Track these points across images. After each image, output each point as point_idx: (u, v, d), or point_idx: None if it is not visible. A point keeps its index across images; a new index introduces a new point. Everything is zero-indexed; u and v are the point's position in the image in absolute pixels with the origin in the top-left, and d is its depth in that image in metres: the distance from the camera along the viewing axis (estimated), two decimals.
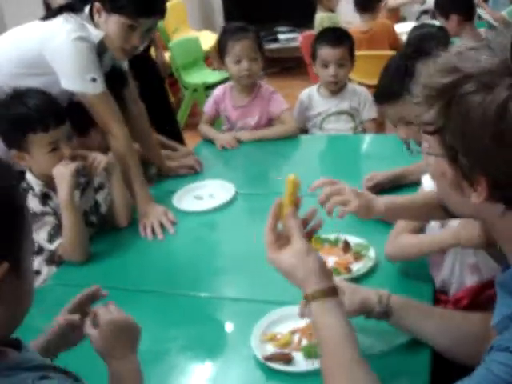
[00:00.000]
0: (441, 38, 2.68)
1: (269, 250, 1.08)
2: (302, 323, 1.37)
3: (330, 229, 1.78)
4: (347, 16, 5.07)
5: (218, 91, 2.83)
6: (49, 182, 1.87)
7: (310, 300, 1.02)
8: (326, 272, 1.04)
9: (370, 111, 2.80)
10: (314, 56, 2.84)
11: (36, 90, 1.85)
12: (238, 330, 1.51)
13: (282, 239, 1.09)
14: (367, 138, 2.73)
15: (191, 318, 1.57)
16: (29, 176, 1.89)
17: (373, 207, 1.34)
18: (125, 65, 2.29)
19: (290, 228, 1.07)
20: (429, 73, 0.89)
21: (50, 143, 1.82)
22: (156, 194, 2.23)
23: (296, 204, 1.12)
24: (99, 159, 1.93)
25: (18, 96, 1.84)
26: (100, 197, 2.04)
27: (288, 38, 6.49)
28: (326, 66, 2.76)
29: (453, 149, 0.87)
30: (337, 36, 2.80)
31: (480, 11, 4.64)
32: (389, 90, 1.77)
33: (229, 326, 1.56)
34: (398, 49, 4.04)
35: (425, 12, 5.66)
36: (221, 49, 2.72)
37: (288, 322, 1.42)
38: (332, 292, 1.02)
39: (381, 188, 2.00)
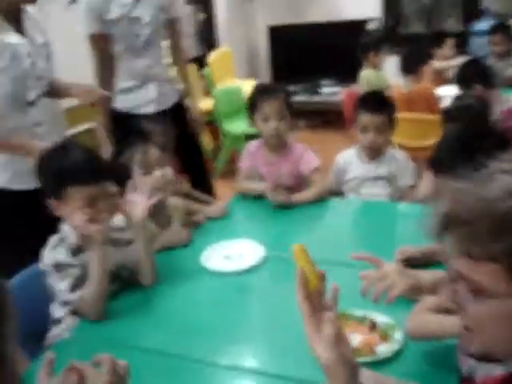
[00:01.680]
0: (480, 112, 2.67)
1: (307, 325, 1.03)
2: None
3: (357, 304, 1.75)
4: (392, 74, 5.08)
5: (251, 146, 2.86)
6: (84, 236, 1.88)
7: None
8: (354, 369, 1.01)
9: (408, 178, 2.77)
10: (355, 118, 2.84)
11: (80, 145, 1.90)
12: None
13: (318, 307, 1.05)
14: (403, 207, 2.68)
15: None
16: (65, 226, 1.92)
17: (421, 287, 1.30)
18: None
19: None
20: (484, 197, 0.81)
21: (87, 197, 1.84)
22: (185, 250, 2.24)
23: (320, 277, 1.08)
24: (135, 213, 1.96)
25: (62, 149, 1.88)
26: (130, 252, 2.05)
27: (331, 92, 6.54)
28: (364, 131, 2.76)
29: None
30: (378, 102, 2.80)
31: None
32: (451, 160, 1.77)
33: None
34: (435, 113, 4.04)
35: None
36: (251, 107, 2.76)
37: None
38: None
39: (413, 263, 1.95)
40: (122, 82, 3.19)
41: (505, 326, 0.83)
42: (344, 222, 2.57)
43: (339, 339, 0.99)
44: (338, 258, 2.09)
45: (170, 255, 2.25)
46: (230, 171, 5.19)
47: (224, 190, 4.40)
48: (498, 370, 1.41)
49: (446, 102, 4.07)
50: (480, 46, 5.58)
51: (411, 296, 1.30)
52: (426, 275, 1.33)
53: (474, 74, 3.51)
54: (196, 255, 2.19)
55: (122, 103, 3.21)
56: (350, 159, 2.86)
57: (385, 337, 1.62)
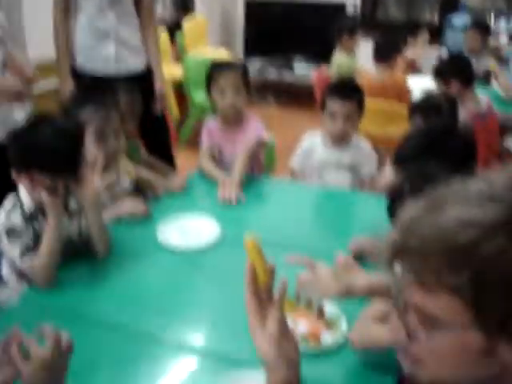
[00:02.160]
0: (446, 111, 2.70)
1: (250, 319, 1.03)
2: None
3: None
4: (365, 60, 5.08)
5: (210, 122, 2.86)
6: (41, 207, 1.85)
7: None
8: (294, 368, 1.02)
9: (370, 168, 2.79)
10: (323, 105, 2.84)
11: (55, 127, 1.83)
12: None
13: (264, 302, 1.05)
14: (364, 196, 2.71)
15: (151, 362, 1.52)
16: (22, 193, 1.88)
17: (353, 290, 1.31)
18: None
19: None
20: (441, 226, 0.76)
21: (51, 183, 1.81)
22: (141, 223, 2.23)
23: (270, 272, 1.08)
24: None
25: (34, 127, 1.84)
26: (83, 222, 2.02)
27: (303, 70, 6.52)
28: (333, 118, 2.75)
29: (488, 310, 0.75)
30: (348, 90, 2.80)
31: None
32: (414, 158, 1.79)
33: (190, 381, 1.50)
34: (405, 103, 4.06)
35: None
36: (208, 80, 2.76)
37: None
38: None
39: (365, 254, 1.99)
40: (82, 38, 3.07)
41: (456, 359, 0.81)
42: (303, 207, 2.58)
43: (282, 337, 1.00)
44: (294, 242, 2.12)
45: (126, 227, 2.23)
46: (196, 141, 5.15)
47: (187, 161, 4.37)
48: None
49: (415, 94, 4.11)
50: (455, 40, 5.62)
51: (343, 298, 1.32)
52: (361, 280, 1.33)
53: (453, 70, 3.52)
54: (152, 229, 2.18)
55: (81, 60, 3.10)
56: (315, 143, 2.87)
57: (331, 325, 1.65)
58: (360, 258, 1.96)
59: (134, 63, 3.18)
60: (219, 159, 2.82)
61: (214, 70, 2.75)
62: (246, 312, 1.04)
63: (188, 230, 2.20)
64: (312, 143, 2.87)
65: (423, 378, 0.87)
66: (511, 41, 5.99)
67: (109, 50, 3.08)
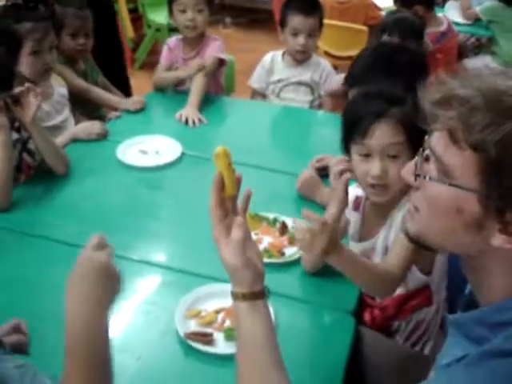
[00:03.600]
0: (418, 28, 2.67)
1: (215, 229, 1.01)
2: (228, 303, 1.36)
3: (272, 207, 1.78)
4: None
5: (171, 41, 2.77)
6: None
7: (239, 299, 1.00)
8: (259, 273, 1.02)
9: (329, 84, 2.76)
10: (283, 21, 2.76)
11: None
12: (164, 300, 1.48)
13: (229, 212, 1.03)
14: (323, 115, 2.70)
15: None
16: None
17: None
18: None
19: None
20: (494, 87, 0.79)
21: None
22: (100, 143, 2.19)
23: (237, 184, 1.06)
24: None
25: None
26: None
27: None
28: (295, 34, 2.69)
29: (500, 185, 0.77)
30: (309, 4, 2.72)
31: (451, 3, 4.63)
32: (365, 75, 1.77)
33: (154, 296, 1.52)
34: (373, 25, 4.00)
35: None
36: None
37: (215, 299, 1.41)
38: (261, 295, 1.01)
39: (327, 172, 2.00)
40: None
41: (448, 216, 0.83)
42: (263, 126, 2.56)
43: (246, 244, 0.99)
44: (255, 160, 2.11)
45: (84, 147, 2.18)
46: (152, 63, 5.01)
47: (143, 81, 4.25)
48: (396, 291, 1.51)
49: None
50: None
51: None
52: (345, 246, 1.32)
53: None
54: (111, 149, 2.14)
55: None
56: (275, 61, 2.81)
57: (293, 240, 1.67)
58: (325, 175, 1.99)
59: None
60: (179, 81, 2.72)
61: None
62: (211, 222, 1.03)
63: (148, 148, 2.17)
64: (272, 61, 2.82)
65: (413, 230, 0.92)
66: None
67: None
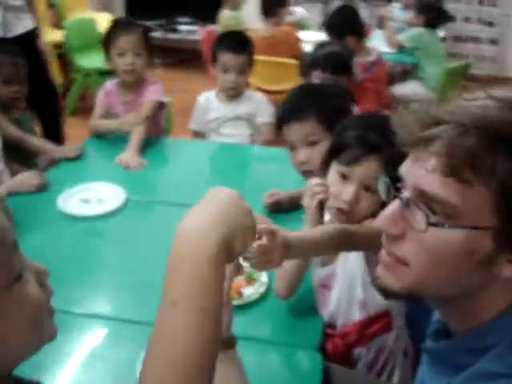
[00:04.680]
0: (348, 61, 2.73)
1: None
2: None
3: None
4: (252, 17, 5.04)
5: (107, 86, 2.72)
6: None
7: None
8: (229, 321, 0.99)
9: (265, 115, 2.78)
10: (214, 58, 2.79)
11: None
12: (122, 355, 1.40)
13: None
14: (264, 150, 2.70)
15: (61, 333, 1.43)
16: None
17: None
18: None
19: None
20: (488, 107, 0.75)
21: None
22: (41, 194, 2.10)
23: None
24: None
25: None
26: None
27: (189, 30, 6.38)
28: (226, 71, 2.72)
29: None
30: (239, 42, 2.77)
31: (377, 32, 4.80)
32: (298, 107, 1.78)
33: (109, 350, 1.43)
34: (298, 57, 4.08)
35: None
36: (106, 41, 2.62)
37: None
38: (231, 343, 0.97)
39: (280, 207, 1.99)
40: None
41: (458, 260, 0.76)
42: (206, 165, 2.55)
43: None
44: (193, 201, 2.08)
45: (24, 199, 2.09)
46: (82, 109, 4.93)
47: (75, 127, 4.17)
48: (356, 316, 1.50)
49: (307, 47, 4.12)
50: None
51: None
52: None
53: (346, 25, 3.53)
54: (52, 199, 2.06)
55: None
56: (210, 99, 2.82)
57: (250, 280, 1.64)
58: (278, 210, 1.97)
59: (18, 28, 3.09)
60: None
61: (114, 30, 2.60)
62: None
63: (90, 196, 2.10)
64: (207, 100, 2.83)
65: (398, 282, 0.82)
66: None
67: None
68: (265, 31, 4.21)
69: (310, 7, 5.98)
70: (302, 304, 1.57)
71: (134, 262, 1.77)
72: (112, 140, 2.58)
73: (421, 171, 0.77)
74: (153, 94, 2.63)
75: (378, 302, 1.48)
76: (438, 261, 0.77)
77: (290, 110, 1.81)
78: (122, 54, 2.56)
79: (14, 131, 2.45)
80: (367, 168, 1.38)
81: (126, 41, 2.55)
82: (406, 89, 4.63)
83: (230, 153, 2.64)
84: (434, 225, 0.76)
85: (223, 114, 2.79)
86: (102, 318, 1.54)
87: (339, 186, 1.41)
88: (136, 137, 2.48)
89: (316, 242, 1.26)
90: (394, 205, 0.82)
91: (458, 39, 6.28)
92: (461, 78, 4.73)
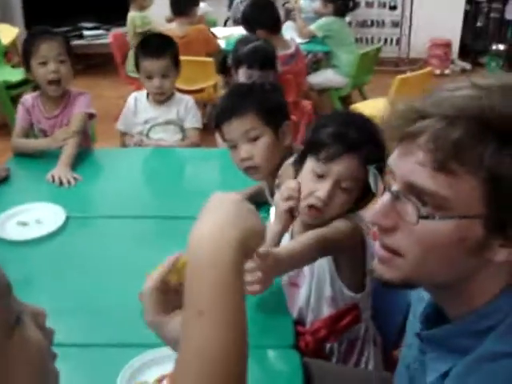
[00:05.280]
0: (272, 55, 2.73)
1: (152, 313, 0.85)
2: (168, 368, 1.27)
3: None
4: (161, 17, 4.96)
5: (27, 100, 2.57)
6: None
7: None
8: None
9: (193, 120, 2.75)
10: (137, 65, 2.75)
11: None
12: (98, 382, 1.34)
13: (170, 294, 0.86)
14: (197, 151, 2.67)
15: None
16: None
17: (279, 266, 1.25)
18: None
19: None
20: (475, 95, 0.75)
21: None
22: None
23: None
24: None
25: None
26: None
27: (94, 35, 6.20)
28: (150, 77, 2.67)
29: (505, 203, 0.75)
30: (159, 45, 2.71)
31: (288, 24, 4.86)
32: (236, 105, 1.78)
33: (85, 379, 1.36)
34: (213, 55, 4.07)
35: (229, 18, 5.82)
36: (26, 53, 2.49)
37: (153, 367, 1.31)
38: None
39: None
40: None
41: (451, 248, 0.78)
42: (142, 172, 2.50)
43: None
44: (149, 210, 2.04)
45: None
46: None
47: None
48: (325, 312, 1.51)
49: (221, 43, 4.12)
50: None
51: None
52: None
53: (257, 18, 3.54)
54: None
55: None
56: (139, 101, 2.77)
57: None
58: None
59: None
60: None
61: (34, 40, 2.48)
62: (144, 306, 0.87)
63: (27, 219, 1.99)
64: (136, 102, 2.76)
65: (394, 273, 0.84)
66: None
67: None
68: (178, 30, 4.16)
69: (214, 2, 5.96)
70: (271, 303, 1.56)
71: (89, 282, 1.69)
72: (39, 157, 2.46)
73: (409, 165, 0.79)
74: (82, 105, 2.53)
75: (346, 296, 1.49)
76: (431, 251, 0.80)
77: (228, 107, 1.81)
78: (44, 63, 2.44)
79: None
80: (344, 166, 1.38)
81: (48, 48, 2.44)
82: (320, 77, 4.72)
83: (163, 157, 2.59)
84: (425, 217, 0.78)
85: (153, 117, 2.73)
86: (71, 345, 1.44)
87: (312, 184, 1.41)
88: (68, 151, 2.37)
89: (302, 255, 1.29)
90: (384, 198, 0.83)
91: (363, 24, 6.46)
92: (373, 62, 4.87)
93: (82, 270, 1.75)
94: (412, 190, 0.79)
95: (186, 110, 2.75)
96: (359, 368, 1.53)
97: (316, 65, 4.95)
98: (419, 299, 1.01)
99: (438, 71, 6.10)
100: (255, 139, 1.77)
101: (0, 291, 0.65)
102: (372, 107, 3.44)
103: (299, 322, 1.54)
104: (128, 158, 2.62)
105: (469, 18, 6.60)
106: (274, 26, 3.60)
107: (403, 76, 3.88)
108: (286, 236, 1.54)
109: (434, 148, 0.75)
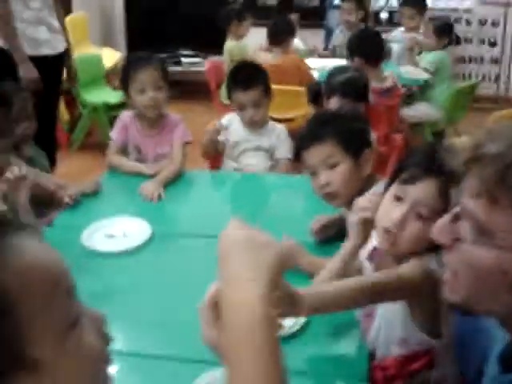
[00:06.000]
0: (364, 83, 2.72)
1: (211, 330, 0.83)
2: None
3: None
4: (257, 45, 5.05)
5: (125, 117, 2.65)
6: None
7: None
8: None
9: (285, 150, 2.74)
10: (229, 96, 2.80)
11: None
12: None
13: None
14: (287, 179, 2.66)
15: None
16: None
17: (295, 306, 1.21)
18: None
19: None
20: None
21: None
22: (63, 231, 2.06)
23: None
24: None
25: None
26: None
27: (192, 62, 6.41)
28: (242, 109, 2.70)
29: None
30: (250, 76, 2.72)
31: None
32: (316, 132, 1.78)
33: None
34: (307, 82, 4.09)
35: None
36: (124, 79, 2.58)
37: None
38: None
39: (328, 232, 1.95)
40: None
41: (494, 279, 0.80)
42: (225, 194, 2.53)
43: None
44: (217, 231, 2.04)
45: (47, 236, 2.03)
46: (90, 143, 4.92)
47: (83, 162, 4.15)
48: (398, 352, 1.45)
49: (315, 74, 4.14)
50: (335, 17, 5.77)
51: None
52: (306, 296, 1.25)
53: (356, 46, 3.53)
54: (75, 235, 2.00)
55: None
56: (233, 121, 2.78)
57: None
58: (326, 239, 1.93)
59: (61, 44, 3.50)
60: (139, 159, 2.62)
61: (132, 66, 2.55)
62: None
63: (115, 231, 2.05)
64: (229, 120, 2.78)
65: (454, 297, 0.87)
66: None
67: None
68: (272, 59, 4.22)
69: (309, 34, 6.00)
70: (344, 334, 1.52)
71: (167, 297, 1.72)
72: (130, 175, 2.54)
73: (468, 192, 0.83)
74: (179, 134, 2.60)
75: (420, 338, 1.42)
76: (478, 276, 0.82)
77: (308, 135, 1.83)
78: (142, 90, 2.50)
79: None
80: (423, 189, 1.34)
81: (146, 75, 2.50)
82: (415, 111, 4.64)
83: (249, 183, 2.61)
84: (471, 241, 0.82)
85: (243, 140, 2.75)
86: (130, 354, 1.48)
87: (390, 207, 1.38)
88: (166, 173, 2.45)
89: (336, 301, 1.27)
90: (447, 218, 0.87)
91: (461, 60, 6.32)
92: (468, 98, 4.74)
93: (161, 284, 1.79)
94: (466, 216, 0.83)
95: (279, 140, 2.75)
96: None
97: (409, 99, 4.88)
98: (494, 340, 0.97)
99: None
100: (334, 166, 1.77)
101: (60, 291, 0.65)
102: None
103: (371, 353, 1.48)
104: (216, 181, 2.66)
105: None
106: (373, 58, 3.55)
107: (501, 112, 3.74)
108: (367, 266, 1.50)
109: (487, 177, 0.78)
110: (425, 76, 4.62)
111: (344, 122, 1.83)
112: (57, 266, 0.67)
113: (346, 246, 1.46)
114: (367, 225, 1.42)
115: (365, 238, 1.43)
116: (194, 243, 2.02)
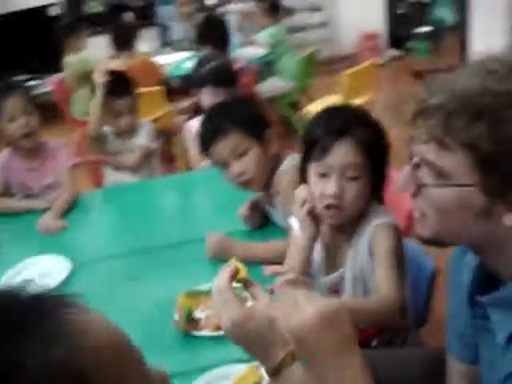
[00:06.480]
0: (232, 69, 2.77)
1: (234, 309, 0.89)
2: None
3: (204, 277, 1.61)
4: (99, 55, 4.91)
5: (2, 158, 2.53)
6: None
7: (288, 363, 0.90)
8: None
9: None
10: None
11: None
12: None
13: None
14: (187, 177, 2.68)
15: None
16: None
17: None
18: None
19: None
20: (466, 90, 0.85)
21: None
22: None
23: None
24: None
25: None
26: None
27: (29, 86, 6.08)
28: (117, 116, 2.74)
29: (498, 171, 0.84)
30: (120, 87, 2.75)
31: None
32: (216, 127, 1.79)
33: None
34: (162, 83, 4.07)
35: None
36: None
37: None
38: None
39: (257, 219, 2.00)
40: None
41: (458, 214, 0.88)
42: (132, 207, 2.47)
43: None
44: (155, 240, 2.05)
45: None
46: None
47: None
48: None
49: (166, 70, 4.13)
50: (167, 12, 5.78)
51: None
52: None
53: (206, 34, 3.59)
54: None
55: None
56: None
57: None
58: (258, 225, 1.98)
59: None
60: (27, 196, 2.51)
61: None
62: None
63: (32, 274, 1.94)
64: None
65: (425, 232, 0.96)
66: None
67: None
68: (123, 65, 4.14)
69: (145, 33, 5.95)
70: None
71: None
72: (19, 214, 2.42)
73: (422, 141, 0.91)
74: (63, 159, 2.53)
75: None
76: (443, 214, 0.91)
77: (210, 131, 1.82)
78: (12, 118, 2.39)
79: None
80: (340, 155, 1.37)
81: (14, 102, 2.39)
82: (266, 86, 4.80)
83: (143, 189, 2.59)
84: (432, 184, 0.90)
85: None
86: None
87: (320, 185, 1.41)
88: (59, 202, 2.38)
89: (356, 311, 1.25)
90: (407, 169, 0.95)
91: (292, 29, 6.59)
92: (313, 64, 4.98)
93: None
94: (423, 163, 0.92)
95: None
96: (401, 349, 1.56)
97: (260, 76, 5.03)
98: (456, 271, 1.08)
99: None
100: (243, 154, 1.78)
101: (136, 357, 0.60)
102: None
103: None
104: (113, 196, 2.61)
105: (390, 7, 6.85)
106: (222, 44, 3.64)
107: (350, 71, 3.99)
108: (318, 247, 1.54)
109: (433, 126, 0.87)
110: (264, 52, 4.77)
111: (240, 109, 1.85)
112: (120, 334, 0.60)
113: (301, 238, 1.45)
114: (314, 213, 1.44)
115: (316, 227, 1.45)
116: (114, 264, 1.99)
